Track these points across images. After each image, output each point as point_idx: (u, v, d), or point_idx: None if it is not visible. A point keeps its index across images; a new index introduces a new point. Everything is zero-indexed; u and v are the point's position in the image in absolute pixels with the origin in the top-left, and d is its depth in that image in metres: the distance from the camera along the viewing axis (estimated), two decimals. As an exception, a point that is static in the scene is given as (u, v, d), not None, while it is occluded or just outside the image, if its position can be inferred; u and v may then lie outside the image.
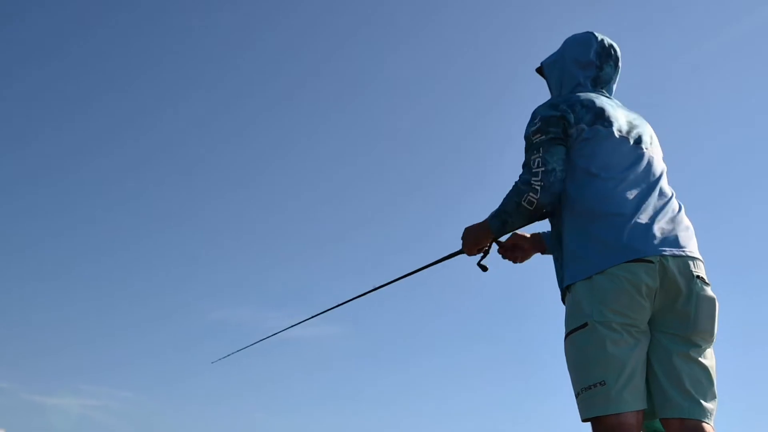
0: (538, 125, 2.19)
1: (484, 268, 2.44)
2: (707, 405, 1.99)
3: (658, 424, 2.10)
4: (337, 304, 2.90)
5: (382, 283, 2.73)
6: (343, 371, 10.18)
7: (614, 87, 2.43)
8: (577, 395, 2.02)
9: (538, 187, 2.12)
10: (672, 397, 1.98)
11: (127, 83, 11.54)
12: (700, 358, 2.02)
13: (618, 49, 2.42)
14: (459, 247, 2.42)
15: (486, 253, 2.42)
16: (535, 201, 2.13)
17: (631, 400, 1.94)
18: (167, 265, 11.02)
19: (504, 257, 2.48)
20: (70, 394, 9.69)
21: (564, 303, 2.16)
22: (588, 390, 1.97)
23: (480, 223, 2.32)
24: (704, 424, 1.96)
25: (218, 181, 11.96)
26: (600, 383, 1.95)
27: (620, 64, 2.42)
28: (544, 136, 2.17)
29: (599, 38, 2.39)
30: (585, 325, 1.99)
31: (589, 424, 2.00)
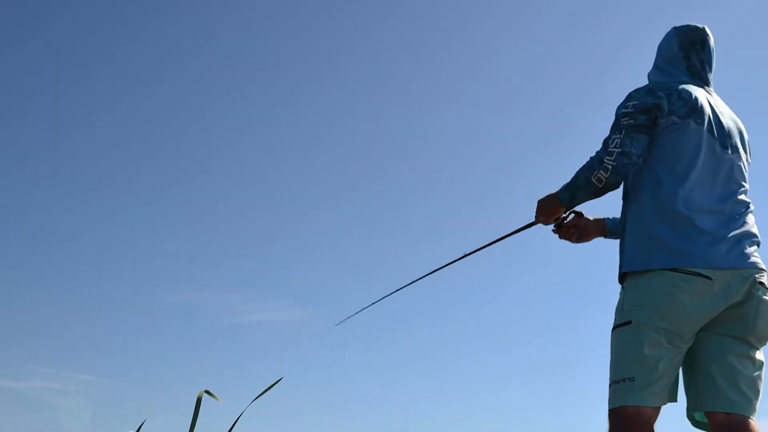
0: (629, 110, 2.18)
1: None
2: (755, 403, 2.08)
3: (696, 416, 2.18)
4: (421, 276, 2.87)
5: (469, 252, 2.74)
6: (305, 355, 10.10)
7: (711, 76, 2.35)
8: (609, 385, 2.12)
9: (609, 167, 2.14)
10: (725, 393, 2.06)
11: (83, 74, 11.17)
12: (754, 359, 2.10)
13: (703, 30, 2.35)
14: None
15: (562, 221, 2.52)
16: (604, 179, 2.16)
17: (652, 398, 2.05)
18: (125, 248, 10.80)
19: (561, 237, 2.55)
20: (27, 377, 9.46)
21: (620, 283, 2.21)
22: (618, 383, 2.07)
23: (551, 194, 2.36)
24: (750, 420, 2.06)
25: (175, 166, 11.73)
26: (629, 379, 2.05)
27: (709, 45, 2.34)
28: (631, 121, 2.16)
29: (679, 27, 2.37)
30: (629, 322, 2.07)
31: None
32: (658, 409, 2.08)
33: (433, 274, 2.82)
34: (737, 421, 2.04)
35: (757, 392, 2.09)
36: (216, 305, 10.57)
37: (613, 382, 2.09)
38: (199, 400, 1.87)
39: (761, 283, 2.08)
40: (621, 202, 2.32)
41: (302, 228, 11.43)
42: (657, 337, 2.02)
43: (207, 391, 1.88)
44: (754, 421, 2.06)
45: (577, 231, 2.53)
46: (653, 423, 2.07)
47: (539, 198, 2.42)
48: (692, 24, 2.37)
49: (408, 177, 11.62)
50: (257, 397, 1.97)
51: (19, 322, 10.09)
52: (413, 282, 2.89)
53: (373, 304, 3.02)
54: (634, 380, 2.03)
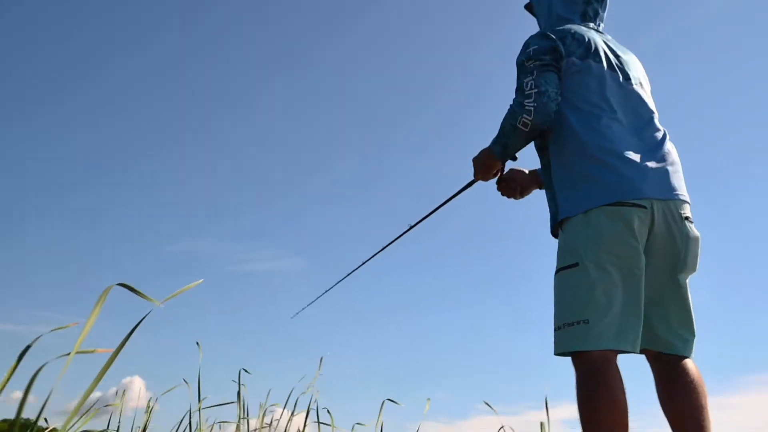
0: (530, 53, 2.21)
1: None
2: (690, 341, 2.10)
3: None
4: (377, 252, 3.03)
5: (414, 223, 2.85)
6: (299, 303, 9.76)
7: (602, 23, 2.46)
8: (556, 329, 2.05)
9: (531, 108, 2.14)
10: (661, 335, 2.08)
11: (90, 24, 10.95)
12: (685, 296, 2.11)
13: None
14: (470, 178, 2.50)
15: (502, 173, 2.49)
16: (529, 122, 2.15)
17: (613, 339, 1.97)
18: (126, 198, 10.60)
19: (503, 194, 2.52)
20: (26, 320, 9.29)
21: (554, 236, 2.21)
22: (570, 326, 2.00)
23: (484, 149, 2.36)
24: (687, 360, 2.08)
25: (176, 118, 11.52)
26: (583, 321, 1.98)
27: None
28: (538, 62, 2.19)
29: None
30: (576, 264, 2.03)
31: (564, 359, 2.04)
32: (617, 352, 1.99)
33: (390, 243, 2.94)
34: (676, 361, 2.07)
35: (692, 332, 2.11)
36: (216, 254, 10.36)
37: (564, 325, 2.01)
38: (103, 296, 1.54)
39: (686, 218, 2.10)
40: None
41: (303, 181, 11.29)
42: (608, 276, 1.99)
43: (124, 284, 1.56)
44: (692, 360, 2.08)
45: (519, 185, 2.50)
46: (615, 361, 1.98)
47: (472, 156, 2.42)
48: None
49: (405, 137, 11.46)
50: (173, 295, 1.52)
51: (21, 271, 10.01)
52: (364, 263, 3.06)
53: (325, 292, 3.32)
54: (588, 322, 1.97)
